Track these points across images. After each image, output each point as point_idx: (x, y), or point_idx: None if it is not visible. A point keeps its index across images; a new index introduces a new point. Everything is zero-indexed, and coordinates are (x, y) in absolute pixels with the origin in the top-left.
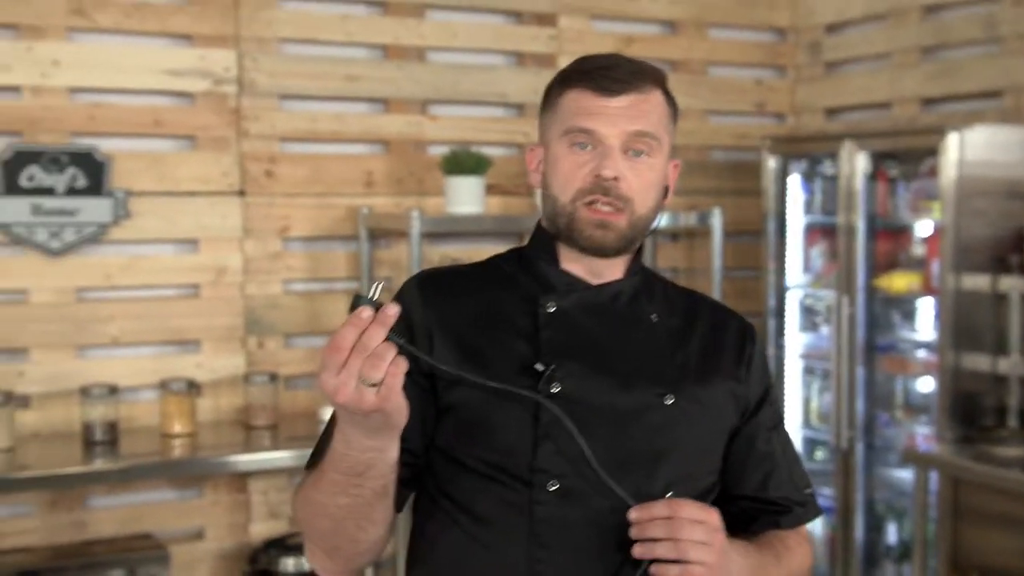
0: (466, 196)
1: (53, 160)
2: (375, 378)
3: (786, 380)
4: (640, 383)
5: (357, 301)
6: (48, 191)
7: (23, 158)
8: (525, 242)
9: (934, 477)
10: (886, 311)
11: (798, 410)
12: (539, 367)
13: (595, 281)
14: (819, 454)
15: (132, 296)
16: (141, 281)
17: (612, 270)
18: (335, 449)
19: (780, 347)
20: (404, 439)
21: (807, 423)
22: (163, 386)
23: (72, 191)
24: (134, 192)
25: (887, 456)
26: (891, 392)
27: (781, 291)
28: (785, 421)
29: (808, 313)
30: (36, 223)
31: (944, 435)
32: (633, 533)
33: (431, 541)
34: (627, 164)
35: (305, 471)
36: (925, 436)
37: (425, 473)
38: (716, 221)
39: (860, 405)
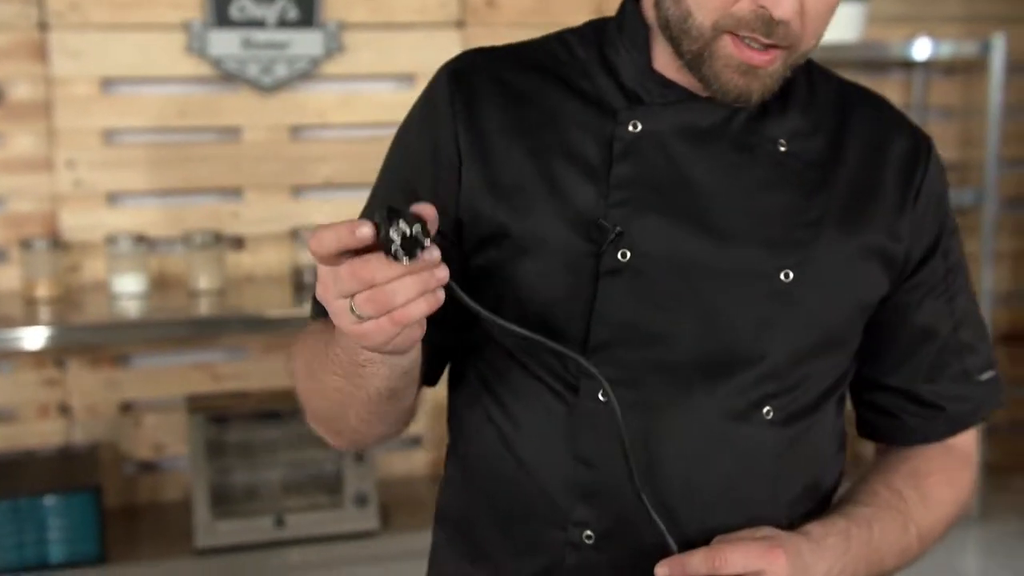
0: None
1: None
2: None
3: None
4: (750, 248)
5: (389, 224)
6: (259, 23)
7: None
8: None
9: None
10: None
11: None
12: (604, 224)
13: (703, 91)
14: None
15: (347, 136)
16: (356, 119)
17: None
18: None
19: None
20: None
21: None
22: None
23: (283, 23)
24: (347, 24)
25: None
26: None
27: None
28: (966, 275)
29: None
30: (247, 57)
31: None
32: None
33: (466, 434)
34: None
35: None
36: None
37: (464, 345)
38: (998, 52)
39: None
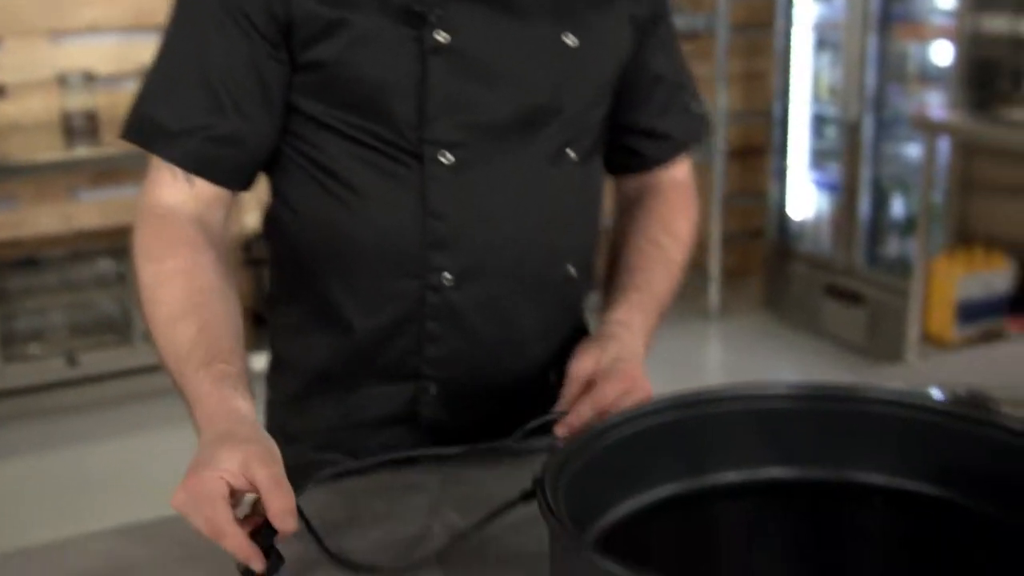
0: None
1: None
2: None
3: (795, 54)
4: (540, 20)
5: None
6: None
7: None
8: None
9: (943, 148)
10: None
11: (807, 85)
12: (422, 11)
13: None
14: (827, 131)
15: None
16: None
17: None
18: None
19: (789, 19)
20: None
21: (816, 98)
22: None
23: None
24: None
25: (897, 130)
26: (904, 63)
27: None
28: (677, 37)
29: None
30: None
31: (957, 102)
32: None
33: (293, 208)
34: None
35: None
36: (937, 106)
37: (283, 134)
38: None
39: (871, 76)
